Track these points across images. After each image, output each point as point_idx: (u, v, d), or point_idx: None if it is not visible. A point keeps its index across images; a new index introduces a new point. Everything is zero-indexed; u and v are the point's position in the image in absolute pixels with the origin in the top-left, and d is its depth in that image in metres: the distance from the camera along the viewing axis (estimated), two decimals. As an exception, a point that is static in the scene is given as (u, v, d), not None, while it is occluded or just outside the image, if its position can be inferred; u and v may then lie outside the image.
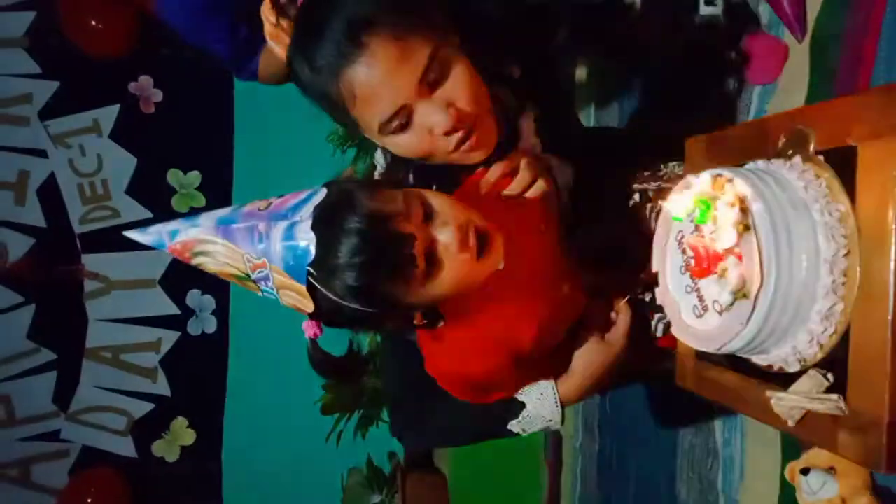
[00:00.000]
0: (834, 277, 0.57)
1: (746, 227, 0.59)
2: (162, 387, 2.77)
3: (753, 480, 1.29)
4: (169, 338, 2.77)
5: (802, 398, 0.60)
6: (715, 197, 0.61)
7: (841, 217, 0.58)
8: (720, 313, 0.62)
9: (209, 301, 2.77)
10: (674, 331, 0.70)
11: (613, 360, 0.86)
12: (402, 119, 0.80)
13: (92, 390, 2.75)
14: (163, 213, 2.73)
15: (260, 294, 0.76)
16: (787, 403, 0.62)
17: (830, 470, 1.00)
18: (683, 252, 0.66)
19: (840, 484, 0.98)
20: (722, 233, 0.60)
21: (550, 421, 0.87)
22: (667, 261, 0.71)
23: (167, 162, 2.75)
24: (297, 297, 0.72)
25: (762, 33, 1.10)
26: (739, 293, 0.58)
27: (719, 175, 0.63)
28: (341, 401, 2.55)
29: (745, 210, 0.59)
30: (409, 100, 0.79)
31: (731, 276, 0.59)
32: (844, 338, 0.59)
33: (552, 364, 0.88)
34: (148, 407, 2.76)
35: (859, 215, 0.57)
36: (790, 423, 0.63)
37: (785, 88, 1.13)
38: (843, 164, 0.59)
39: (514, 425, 0.88)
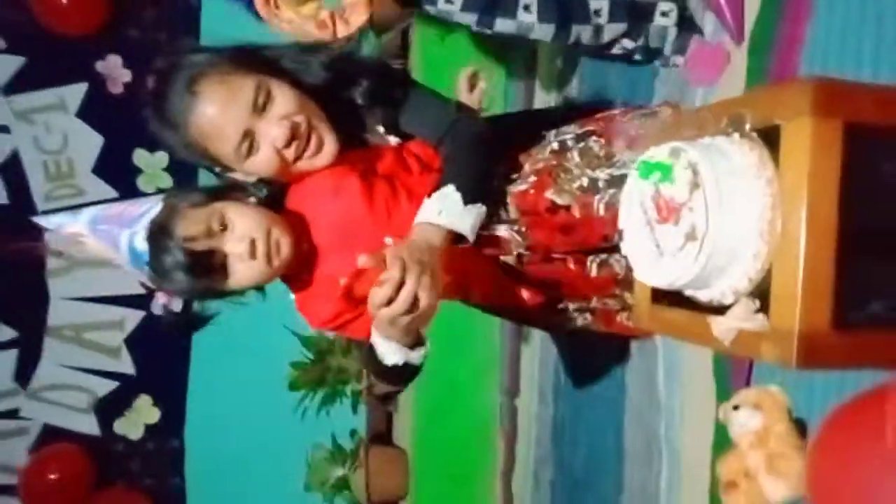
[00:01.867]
0: (762, 226, 0.74)
1: (696, 186, 0.75)
2: (126, 365, 2.80)
3: (691, 426, 1.48)
4: (133, 317, 2.80)
5: (736, 321, 0.77)
6: (673, 163, 0.77)
7: (768, 180, 0.75)
8: (674, 255, 0.78)
9: (175, 281, 2.82)
10: (636, 274, 0.86)
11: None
12: (248, 142, 0.98)
13: (54, 368, 2.75)
14: (129, 193, 2.76)
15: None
16: (724, 325, 0.78)
17: (756, 407, 1.19)
18: (646, 212, 0.83)
19: (764, 416, 1.17)
20: (677, 190, 0.76)
21: (395, 350, 0.96)
22: (633, 224, 0.87)
23: (134, 142, 2.78)
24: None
25: (706, 42, 1.29)
26: (690, 236, 0.75)
27: (676, 146, 0.79)
28: (309, 377, 2.65)
29: (695, 173, 0.75)
30: (248, 125, 0.97)
31: (683, 224, 0.75)
32: (768, 274, 0.76)
33: None
34: (112, 385, 2.79)
35: (782, 179, 0.74)
36: (726, 343, 0.80)
37: (725, 89, 1.32)
38: (771, 139, 0.76)
39: (384, 359, 0.97)
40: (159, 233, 0.99)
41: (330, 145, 1.02)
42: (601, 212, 1.07)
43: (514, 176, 1.09)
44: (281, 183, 1.08)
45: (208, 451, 2.85)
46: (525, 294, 1.13)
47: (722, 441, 1.29)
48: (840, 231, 0.73)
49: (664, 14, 1.26)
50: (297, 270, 1.07)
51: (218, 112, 0.97)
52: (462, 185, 0.97)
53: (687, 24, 1.30)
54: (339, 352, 2.70)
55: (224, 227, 0.99)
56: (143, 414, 2.82)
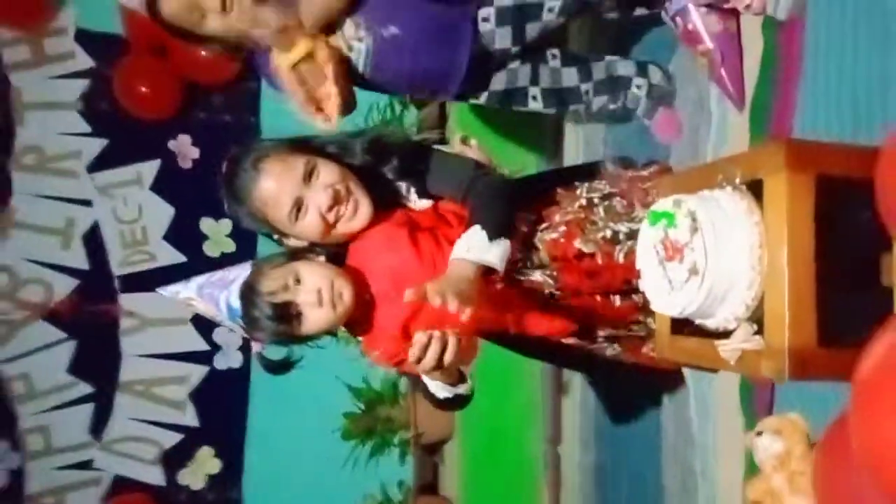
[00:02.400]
0: (753, 261, 0.89)
1: (695, 230, 0.91)
2: (190, 418, 2.99)
3: (724, 459, 1.57)
4: (198, 372, 3.01)
5: (738, 342, 0.92)
6: (675, 212, 0.94)
7: (756, 223, 0.90)
8: (681, 288, 0.93)
9: (235, 338, 3.02)
10: (653, 307, 1.01)
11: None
12: (298, 207, 1.18)
13: (125, 421, 2.96)
14: (196, 257, 3.02)
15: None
16: (729, 347, 0.93)
17: (777, 432, 1.30)
18: (657, 253, 0.98)
19: (784, 441, 1.27)
20: (681, 233, 0.92)
21: (442, 387, 1.19)
22: (647, 264, 1.03)
23: (201, 211, 3.06)
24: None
25: (667, 110, 1.68)
26: (693, 271, 0.90)
27: (678, 198, 0.96)
28: (360, 427, 2.79)
29: (694, 219, 0.92)
30: (299, 193, 1.18)
31: (687, 261, 0.91)
32: (762, 301, 0.90)
33: None
34: (177, 437, 2.98)
35: (767, 222, 0.90)
36: (732, 363, 0.94)
37: (731, 149, 1.49)
38: (756, 190, 0.92)
39: (437, 393, 1.20)
40: (248, 290, 1.21)
41: (364, 209, 1.22)
42: (621, 259, 1.24)
43: (545, 225, 1.27)
44: (342, 244, 1.27)
45: (265, 501, 2.98)
46: (558, 324, 1.28)
47: (752, 470, 1.38)
48: (818, 262, 0.88)
49: (638, 87, 1.64)
50: (361, 316, 1.25)
51: (275, 183, 1.18)
52: (486, 224, 1.15)
53: (655, 96, 1.66)
54: (387, 402, 2.84)
55: (298, 282, 1.19)
56: (204, 465, 2.98)
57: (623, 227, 1.29)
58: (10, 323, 2.91)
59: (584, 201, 1.33)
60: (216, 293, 1.25)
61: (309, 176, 1.18)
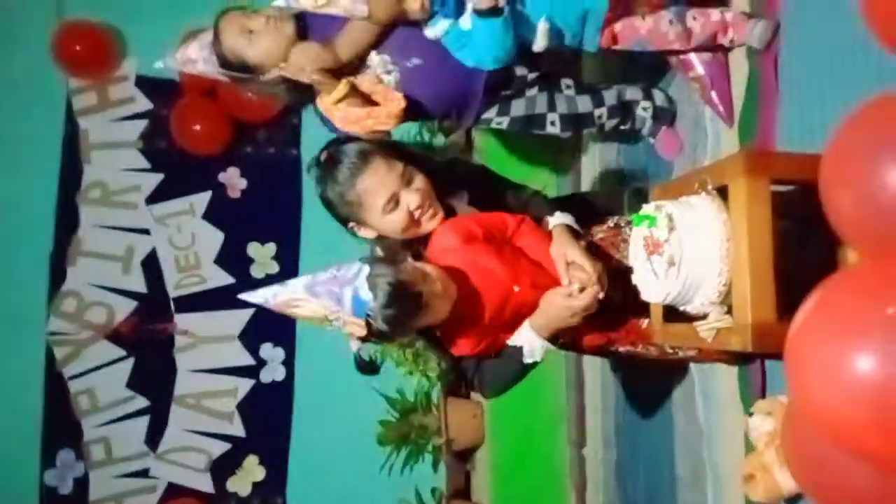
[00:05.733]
0: (722, 252, 1.07)
1: (672, 229, 1.09)
2: (237, 428, 3.21)
3: (728, 445, 1.70)
4: (244, 385, 3.24)
5: (713, 322, 1.09)
6: (657, 214, 1.12)
7: (724, 221, 1.08)
8: (664, 277, 1.11)
9: (279, 353, 3.25)
10: (643, 296, 1.19)
11: (561, 312, 1.33)
12: (394, 202, 1.37)
13: (178, 432, 3.19)
14: (244, 279, 3.26)
15: (330, 328, 1.33)
16: (706, 327, 1.10)
17: (769, 413, 1.45)
18: (644, 249, 1.16)
19: (774, 420, 1.42)
20: (660, 232, 1.10)
21: (541, 345, 1.36)
22: (637, 259, 1.21)
23: (248, 237, 3.32)
24: (357, 328, 1.30)
25: (669, 130, 1.90)
26: (671, 262, 1.08)
27: (660, 203, 1.14)
28: (395, 433, 2.96)
29: (671, 219, 1.10)
30: (396, 189, 1.37)
31: (666, 254, 1.09)
32: (730, 286, 1.07)
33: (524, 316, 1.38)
34: (225, 446, 3.19)
35: (732, 220, 1.08)
36: (709, 341, 1.11)
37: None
38: (724, 193, 1.10)
39: (527, 358, 1.37)
40: (389, 283, 1.25)
41: (440, 214, 1.45)
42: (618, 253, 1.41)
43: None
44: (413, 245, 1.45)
45: (307, 505, 3.17)
46: (595, 336, 1.46)
47: (751, 451, 1.53)
48: (775, 253, 1.05)
49: (644, 109, 1.88)
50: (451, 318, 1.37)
51: (380, 177, 1.37)
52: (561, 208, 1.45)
53: (659, 116, 1.91)
54: (420, 411, 3.02)
55: (425, 276, 1.30)
56: (251, 472, 3.18)
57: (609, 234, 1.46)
58: (76, 342, 3.19)
59: (611, 223, 1.50)
60: (336, 289, 1.27)
61: (406, 179, 1.39)
